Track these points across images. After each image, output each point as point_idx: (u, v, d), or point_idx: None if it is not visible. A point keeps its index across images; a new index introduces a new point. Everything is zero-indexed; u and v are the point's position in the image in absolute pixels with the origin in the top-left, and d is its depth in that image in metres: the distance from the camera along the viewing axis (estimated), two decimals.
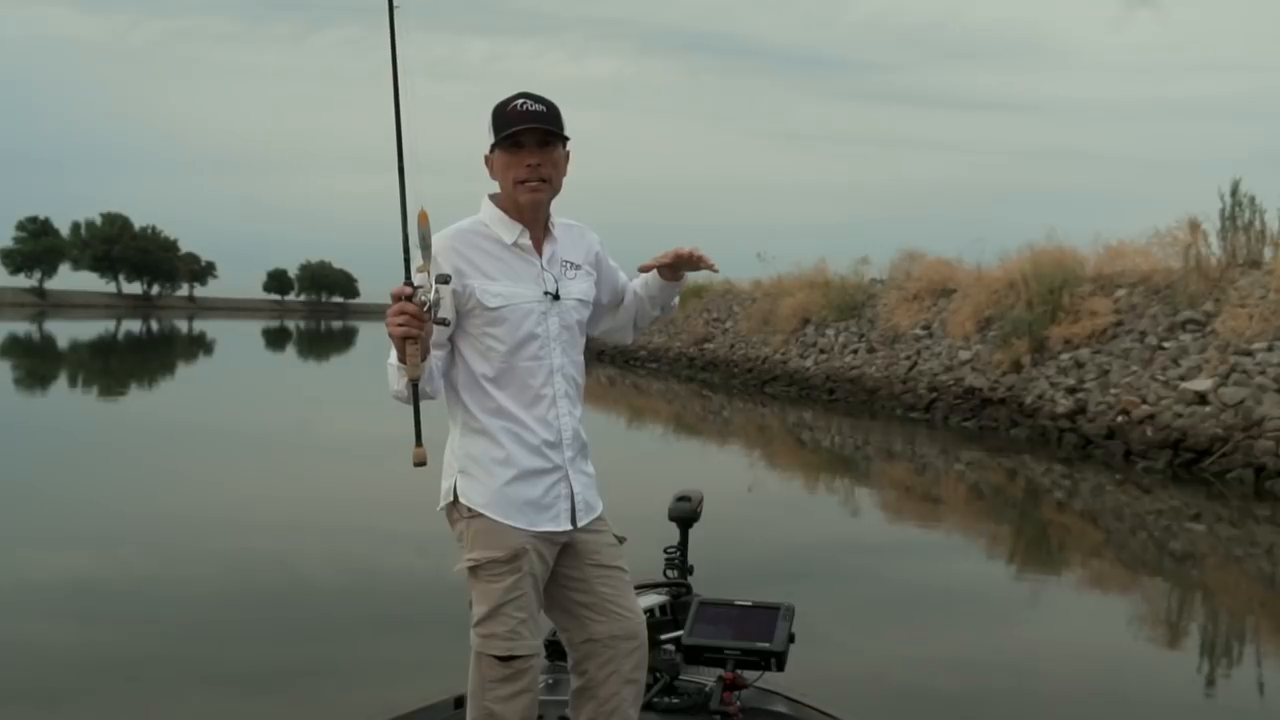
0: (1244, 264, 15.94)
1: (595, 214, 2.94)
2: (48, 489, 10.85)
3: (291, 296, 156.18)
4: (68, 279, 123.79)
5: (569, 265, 2.86)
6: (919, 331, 22.21)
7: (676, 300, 3.18)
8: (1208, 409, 13.30)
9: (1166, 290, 16.46)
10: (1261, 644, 7.22)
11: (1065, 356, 17.06)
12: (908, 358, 21.69)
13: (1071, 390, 16.07)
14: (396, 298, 2.54)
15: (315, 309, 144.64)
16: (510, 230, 2.78)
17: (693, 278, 3.68)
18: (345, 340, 62.32)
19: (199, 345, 49.31)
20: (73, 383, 26.55)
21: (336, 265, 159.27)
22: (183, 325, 71.78)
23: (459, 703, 3.17)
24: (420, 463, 2.60)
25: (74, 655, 5.84)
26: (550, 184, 2.77)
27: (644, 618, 2.91)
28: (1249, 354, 13.60)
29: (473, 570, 2.71)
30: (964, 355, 19.90)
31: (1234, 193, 16.36)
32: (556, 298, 2.80)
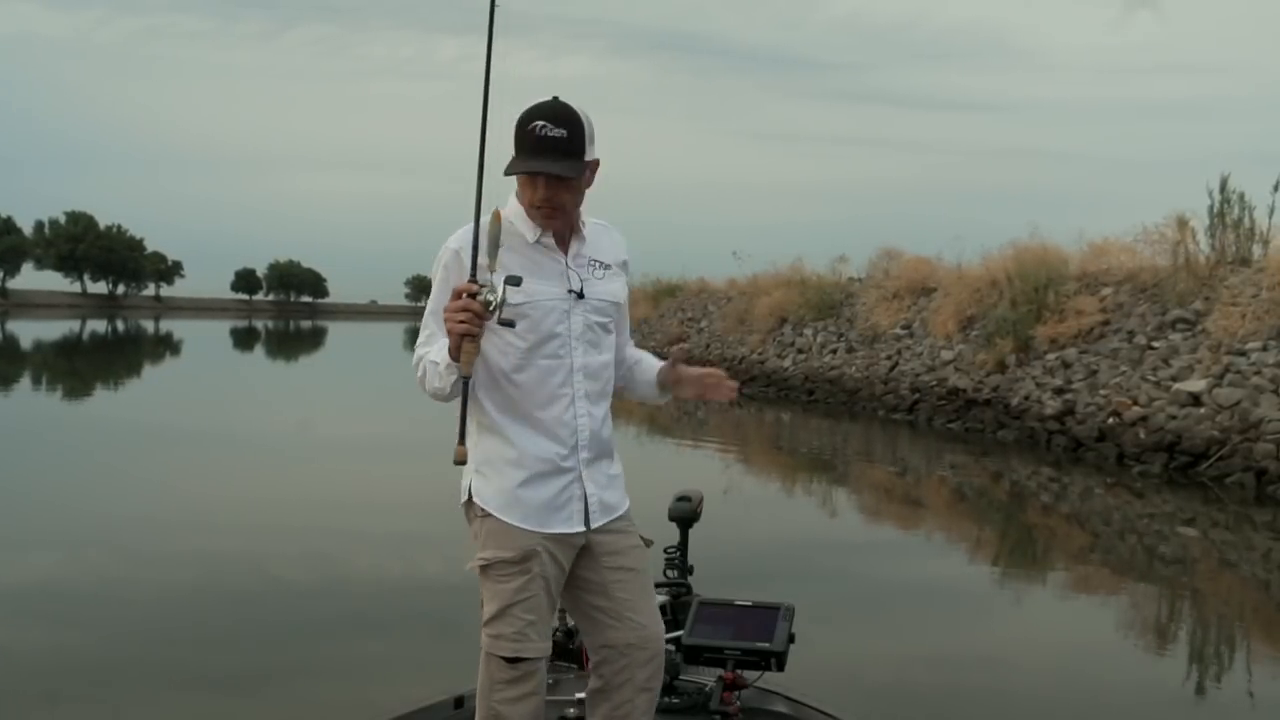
0: (1233, 262, 15.67)
1: None
2: (13, 490, 10.43)
3: (260, 296, 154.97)
4: (31, 278, 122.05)
5: (598, 265, 2.81)
6: (899, 331, 21.89)
7: (646, 402, 3.08)
8: (1202, 410, 12.97)
9: (1154, 289, 16.18)
10: (1244, 646, 7.05)
11: (1051, 356, 16.74)
12: (888, 358, 21.36)
13: (1059, 391, 15.73)
14: (458, 294, 2.52)
15: (284, 308, 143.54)
16: (532, 228, 2.74)
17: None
18: (315, 340, 61.93)
19: (165, 345, 48.68)
20: (37, 383, 25.94)
21: (305, 265, 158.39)
22: (149, 325, 70.95)
23: (459, 703, 3.26)
24: (461, 461, 2.61)
25: (50, 660, 5.58)
26: (564, 210, 2.72)
27: (662, 625, 2.86)
28: (1243, 354, 13.32)
29: (483, 569, 2.70)
30: (946, 355, 19.58)
31: (1223, 189, 16.11)
32: (581, 296, 2.75)
